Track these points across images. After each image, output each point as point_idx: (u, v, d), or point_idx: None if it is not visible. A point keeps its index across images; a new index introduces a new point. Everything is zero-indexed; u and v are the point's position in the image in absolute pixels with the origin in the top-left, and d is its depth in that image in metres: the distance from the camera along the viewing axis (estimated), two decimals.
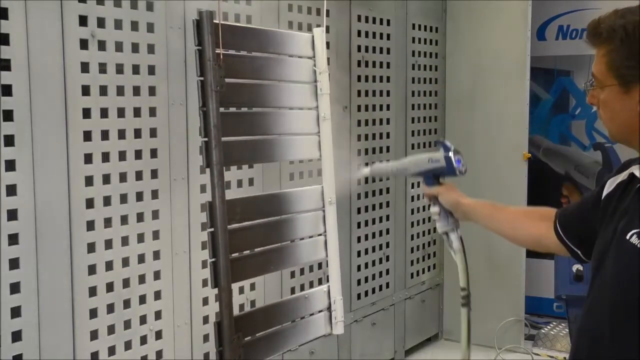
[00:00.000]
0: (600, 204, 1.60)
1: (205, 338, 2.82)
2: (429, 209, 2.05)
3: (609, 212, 1.54)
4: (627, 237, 1.41)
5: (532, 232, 1.87)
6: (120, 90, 2.46)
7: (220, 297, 2.04)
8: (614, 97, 1.46)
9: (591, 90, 1.51)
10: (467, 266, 2.02)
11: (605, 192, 1.59)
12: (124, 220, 2.49)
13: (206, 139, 2.00)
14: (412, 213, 4.33)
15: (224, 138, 2.02)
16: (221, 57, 1.98)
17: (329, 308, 2.41)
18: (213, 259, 2.02)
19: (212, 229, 2.02)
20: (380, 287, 4.03)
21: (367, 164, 2.21)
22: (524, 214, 1.96)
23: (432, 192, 2.02)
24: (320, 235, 2.40)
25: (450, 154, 1.96)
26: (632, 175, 1.52)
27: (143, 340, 2.58)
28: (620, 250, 1.43)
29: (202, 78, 1.98)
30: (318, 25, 2.70)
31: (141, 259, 2.56)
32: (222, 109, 2.02)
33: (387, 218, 4.07)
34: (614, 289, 1.43)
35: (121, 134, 2.47)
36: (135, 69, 2.52)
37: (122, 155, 2.48)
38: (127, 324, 2.53)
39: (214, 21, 1.99)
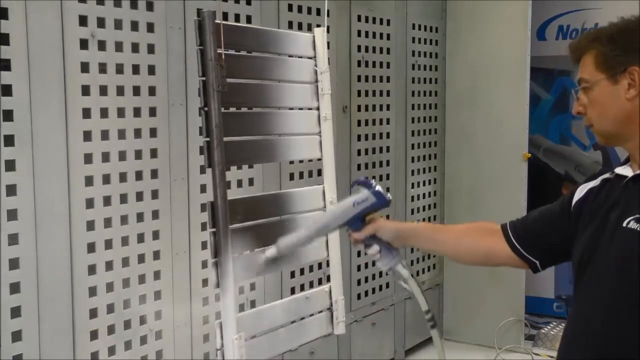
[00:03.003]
0: (570, 211, 1.66)
1: (205, 338, 2.82)
2: (365, 254, 1.86)
3: (586, 212, 1.61)
4: (624, 224, 1.47)
5: (480, 245, 1.83)
6: (120, 90, 2.46)
7: (222, 297, 2.04)
8: (603, 91, 1.54)
9: (578, 98, 1.59)
10: (422, 289, 1.94)
11: (575, 199, 1.65)
12: (124, 220, 2.49)
13: (208, 139, 1.99)
14: (412, 213, 4.33)
15: (226, 138, 2.02)
16: (223, 57, 1.98)
17: (329, 308, 2.41)
18: (215, 259, 2.02)
19: (214, 229, 2.02)
20: (380, 287, 4.03)
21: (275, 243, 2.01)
22: (467, 230, 1.90)
23: (368, 231, 1.86)
24: None
25: (377, 187, 1.85)
26: (605, 179, 1.61)
27: (143, 340, 2.58)
28: (618, 237, 1.49)
29: (204, 78, 1.98)
30: (318, 25, 2.70)
31: (141, 259, 2.56)
32: (223, 109, 2.02)
33: (387, 218, 4.06)
34: (616, 273, 1.48)
35: (121, 134, 2.47)
36: (135, 69, 2.52)
37: (122, 155, 2.48)
38: (127, 324, 2.53)
39: (216, 21, 1.99)
